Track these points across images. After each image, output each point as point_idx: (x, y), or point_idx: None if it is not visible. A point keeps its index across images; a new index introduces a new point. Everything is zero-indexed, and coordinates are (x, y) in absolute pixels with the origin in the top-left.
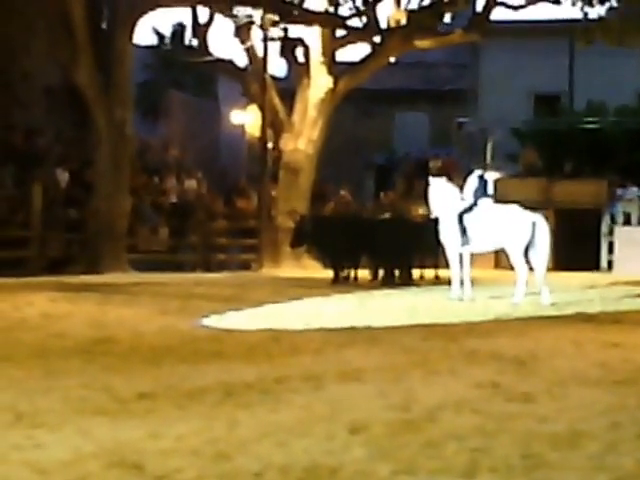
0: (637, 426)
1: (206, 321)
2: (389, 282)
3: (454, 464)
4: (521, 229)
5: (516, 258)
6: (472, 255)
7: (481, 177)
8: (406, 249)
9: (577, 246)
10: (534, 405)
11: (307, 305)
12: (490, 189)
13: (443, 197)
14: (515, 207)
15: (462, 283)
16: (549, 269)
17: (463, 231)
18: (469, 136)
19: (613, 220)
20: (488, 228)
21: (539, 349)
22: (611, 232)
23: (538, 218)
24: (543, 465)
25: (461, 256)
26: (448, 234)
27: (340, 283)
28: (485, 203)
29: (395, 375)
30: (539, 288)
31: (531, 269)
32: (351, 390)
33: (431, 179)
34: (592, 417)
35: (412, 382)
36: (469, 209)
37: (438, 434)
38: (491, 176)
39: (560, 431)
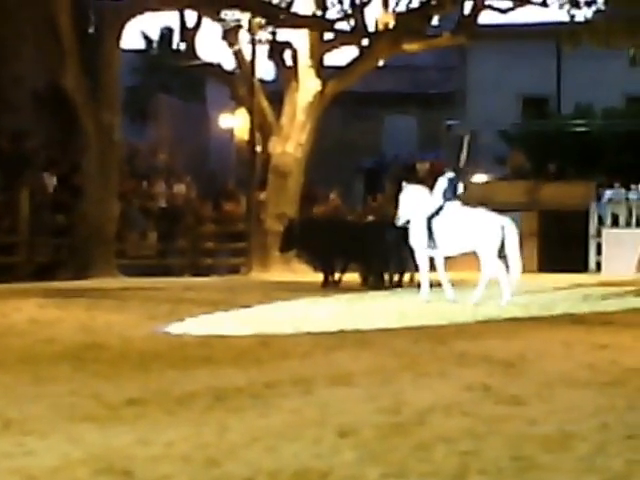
0: (626, 427)
1: (194, 326)
2: (378, 285)
3: (444, 467)
4: (491, 232)
5: (488, 261)
6: (449, 258)
7: (451, 179)
8: (394, 252)
9: (565, 248)
10: (524, 407)
11: (296, 309)
12: (459, 191)
13: (414, 202)
14: (483, 210)
15: (438, 286)
16: (535, 271)
17: (430, 234)
18: (458, 139)
19: (601, 221)
20: (457, 231)
21: (528, 351)
22: (599, 234)
23: (506, 221)
24: (533, 467)
25: (433, 260)
26: (416, 237)
27: (330, 286)
28: (453, 206)
29: (385, 378)
30: (502, 289)
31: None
32: (341, 394)
33: (404, 185)
34: (581, 419)
35: (402, 385)
36: (437, 212)
37: (428, 437)
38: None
39: (550, 433)
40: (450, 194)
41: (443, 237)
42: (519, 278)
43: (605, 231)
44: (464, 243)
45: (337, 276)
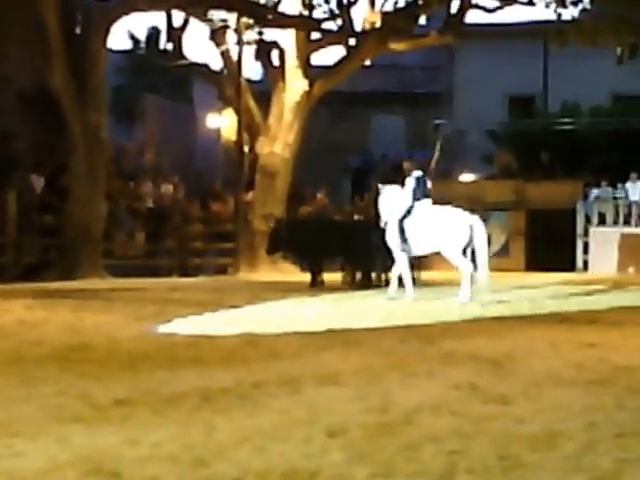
0: (613, 426)
1: (181, 326)
2: (366, 284)
3: (432, 466)
4: (457, 231)
5: (455, 260)
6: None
7: (418, 179)
8: (381, 251)
9: (552, 246)
10: (511, 406)
11: (284, 309)
12: (429, 190)
13: (391, 203)
14: (452, 209)
15: (400, 283)
16: (523, 270)
17: (402, 234)
18: (445, 138)
19: (588, 220)
20: (426, 230)
21: (516, 350)
22: (586, 232)
23: (475, 220)
24: (520, 466)
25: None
26: (392, 238)
27: (317, 286)
28: (423, 205)
29: (373, 378)
30: (479, 289)
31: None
32: (329, 393)
33: (381, 186)
34: (569, 417)
35: (390, 385)
36: (407, 212)
37: (416, 437)
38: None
39: (537, 432)
40: (419, 194)
41: (413, 237)
42: (487, 277)
43: (592, 230)
44: (433, 242)
45: (322, 276)
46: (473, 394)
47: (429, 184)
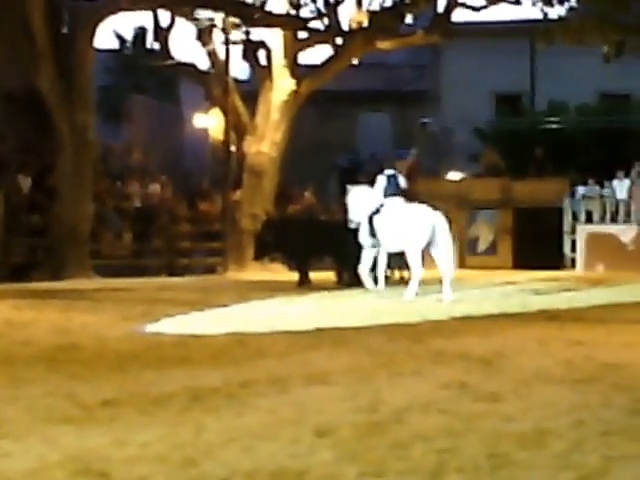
0: (601, 424)
1: (170, 326)
2: (353, 283)
3: (421, 465)
4: (419, 229)
5: (411, 258)
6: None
7: (389, 176)
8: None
9: (540, 244)
10: (500, 404)
11: (272, 308)
12: (401, 188)
13: (361, 202)
14: (417, 206)
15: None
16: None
17: (372, 232)
18: (432, 136)
19: (575, 218)
20: (393, 228)
21: (505, 348)
22: (573, 230)
23: (437, 217)
24: (509, 464)
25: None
26: (363, 235)
27: (305, 285)
28: (394, 203)
29: (361, 377)
30: (444, 286)
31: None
32: (317, 393)
33: (349, 187)
34: (557, 415)
35: (378, 384)
36: (377, 210)
37: (405, 435)
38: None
39: (526, 430)
40: (390, 191)
41: (383, 234)
42: (452, 275)
43: (579, 227)
44: (400, 239)
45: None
46: (462, 392)
47: (402, 182)
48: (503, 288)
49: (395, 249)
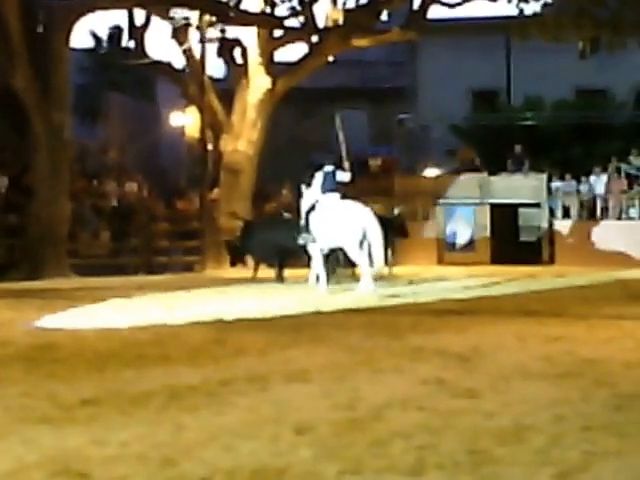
0: (581, 418)
1: (148, 323)
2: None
3: (400, 462)
4: (351, 226)
5: (352, 254)
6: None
7: (327, 173)
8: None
9: (517, 240)
10: (479, 400)
11: (250, 305)
12: (338, 184)
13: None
14: (349, 202)
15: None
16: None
17: (307, 229)
18: (409, 133)
19: (552, 214)
20: (327, 224)
21: (483, 344)
22: (551, 226)
23: (366, 213)
24: (489, 461)
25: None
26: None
27: (281, 281)
28: (329, 199)
29: (340, 374)
30: (365, 279)
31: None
32: (296, 390)
33: (303, 189)
34: (536, 411)
35: (357, 381)
36: (313, 206)
37: (384, 432)
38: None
39: (505, 426)
40: (326, 188)
41: (317, 231)
42: (382, 269)
43: (557, 222)
44: (333, 236)
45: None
46: (441, 389)
47: (344, 176)
48: (480, 283)
49: (330, 246)
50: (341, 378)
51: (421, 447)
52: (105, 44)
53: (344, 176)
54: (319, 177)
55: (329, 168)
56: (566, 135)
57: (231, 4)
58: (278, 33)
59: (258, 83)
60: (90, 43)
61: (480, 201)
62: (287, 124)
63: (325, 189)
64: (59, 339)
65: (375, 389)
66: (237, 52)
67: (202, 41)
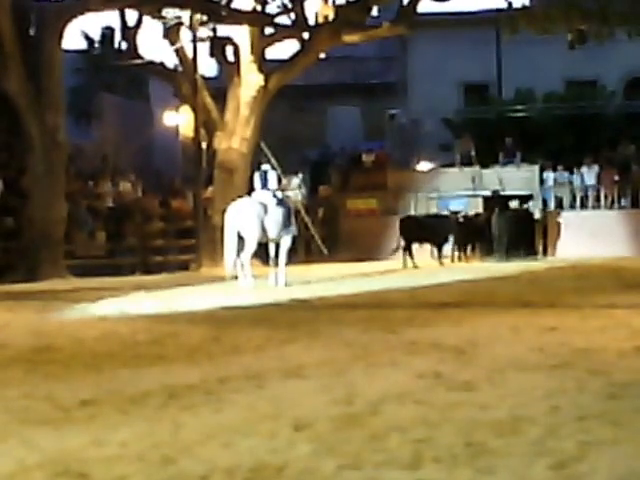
0: (577, 409)
1: (146, 324)
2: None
3: (398, 456)
4: (250, 221)
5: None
6: None
7: (263, 172)
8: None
9: (511, 232)
10: (475, 393)
11: (246, 302)
12: (270, 182)
13: None
14: (250, 200)
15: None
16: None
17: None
18: (401, 127)
19: (545, 205)
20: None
21: (478, 336)
22: (544, 217)
23: (241, 212)
24: (486, 452)
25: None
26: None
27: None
28: (258, 196)
29: (337, 369)
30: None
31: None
32: (294, 387)
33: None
34: (532, 402)
35: (354, 376)
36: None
37: (382, 427)
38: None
39: (501, 418)
40: (259, 186)
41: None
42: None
43: (550, 214)
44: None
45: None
46: (437, 382)
47: (272, 178)
48: (474, 276)
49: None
50: (338, 373)
51: (418, 440)
52: (97, 45)
53: (272, 177)
54: (257, 176)
55: (265, 167)
56: (557, 126)
57: (222, 3)
58: (269, 31)
59: (250, 81)
60: (83, 44)
61: (473, 193)
62: (280, 121)
63: (257, 187)
64: (57, 340)
65: (372, 383)
66: (229, 50)
67: (194, 40)
